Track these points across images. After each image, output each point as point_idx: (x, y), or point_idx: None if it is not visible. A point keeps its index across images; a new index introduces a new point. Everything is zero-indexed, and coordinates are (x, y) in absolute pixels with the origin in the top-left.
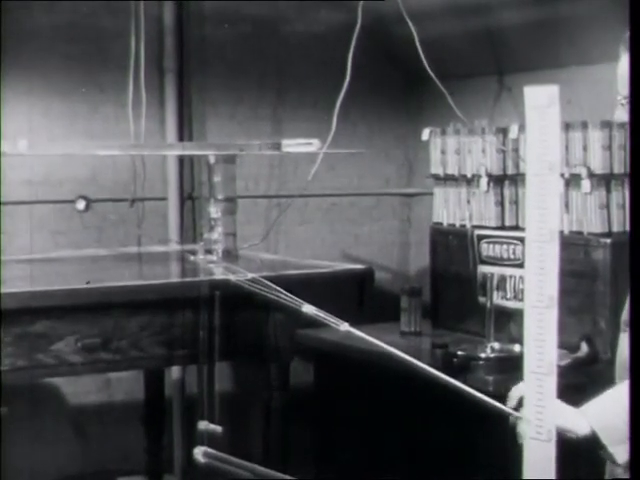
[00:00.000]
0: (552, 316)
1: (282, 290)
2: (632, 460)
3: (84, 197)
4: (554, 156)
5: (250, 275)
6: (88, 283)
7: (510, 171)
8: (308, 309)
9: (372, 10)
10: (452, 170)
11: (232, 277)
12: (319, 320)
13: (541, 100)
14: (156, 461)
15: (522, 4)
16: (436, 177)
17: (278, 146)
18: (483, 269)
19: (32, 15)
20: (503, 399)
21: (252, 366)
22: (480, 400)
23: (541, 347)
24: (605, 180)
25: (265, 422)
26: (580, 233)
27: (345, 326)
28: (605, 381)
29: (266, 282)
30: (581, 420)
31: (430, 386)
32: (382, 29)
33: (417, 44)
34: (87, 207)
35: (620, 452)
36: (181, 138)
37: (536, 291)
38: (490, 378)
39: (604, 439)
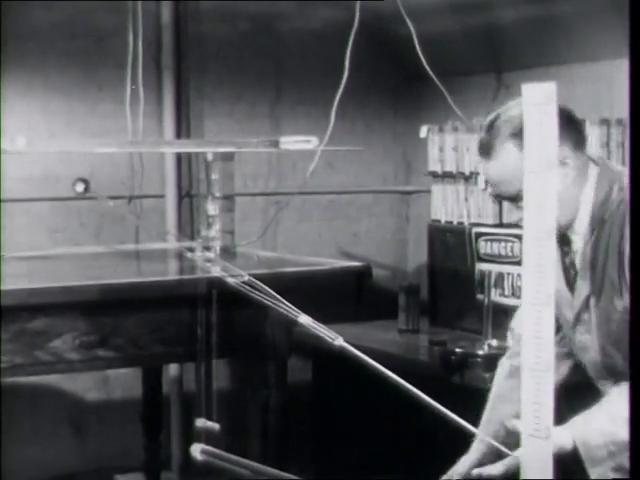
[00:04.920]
0: (549, 314)
1: (280, 298)
2: (632, 460)
3: (83, 179)
4: (552, 153)
5: (247, 277)
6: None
7: None
8: (304, 320)
9: (370, 8)
10: (450, 167)
11: (230, 280)
12: (318, 318)
13: (539, 97)
14: (154, 458)
15: (520, 2)
16: (434, 174)
17: (276, 143)
18: (481, 266)
19: (31, 13)
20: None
21: (250, 363)
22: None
23: (539, 344)
24: None
25: (263, 419)
26: None
27: (339, 340)
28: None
29: (265, 287)
30: (565, 434)
31: (429, 383)
32: (380, 27)
33: (415, 42)
34: (86, 190)
35: (595, 474)
36: (179, 135)
37: (534, 288)
38: (488, 375)
39: (585, 457)
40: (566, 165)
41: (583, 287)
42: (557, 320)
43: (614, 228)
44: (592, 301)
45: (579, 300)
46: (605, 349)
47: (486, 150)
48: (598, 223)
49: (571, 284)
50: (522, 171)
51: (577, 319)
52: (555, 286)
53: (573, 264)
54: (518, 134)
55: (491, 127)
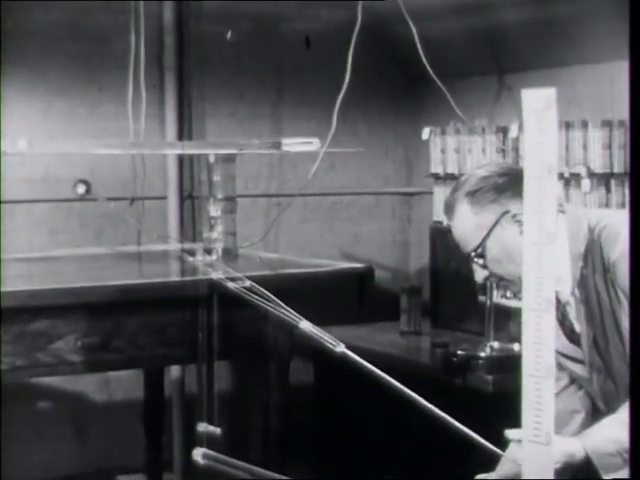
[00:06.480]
0: (550, 319)
1: (282, 303)
2: (632, 460)
3: (84, 181)
4: (552, 159)
5: (249, 283)
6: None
7: None
8: (305, 326)
9: (372, 9)
10: (452, 169)
11: (231, 285)
12: (319, 320)
13: (539, 103)
14: (156, 460)
15: (522, 3)
16: (436, 176)
17: (278, 145)
18: None
19: (32, 14)
20: (502, 398)
21: (252, 365)
22: (468, 436)
23: (539, 350)
24: (605, 179)
25: (264, 421)
26: None
27: (341, 347)
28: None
29: (266, 292)
30: (576, 443)
31: (431, 384)
32: (382, 28)
33: (417, 43)
34: (87, 191)
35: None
36: (181, 137)
37: (534, 294)
38: (490, 377)
39: (598, 465)
40: None
41: (586, 331)
42: (571, 378)
43: (596, 260)
44: (601, 343)
45: (587, 347)
46: None
47: (448, 209)
48: (581, 263)
49: (570, 336)
50: (475, 229)
51: (591, 367)
52: (557, 345)
53: (565, 315)
54: (473, 192)
55: (454, 188)
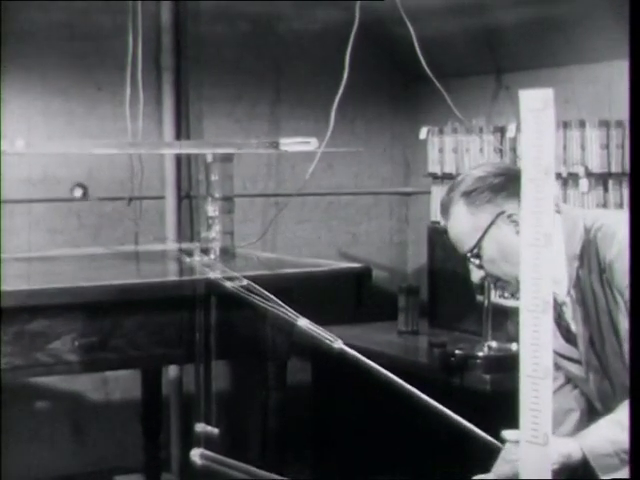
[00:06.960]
0: (547, 320)
1: (279, 302)
2: (632, 460)
3: (81, 185)
4: (549, 160)
5: (246, 282)
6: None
7: None
8: (303, 323)
9: (370, 9)
10: (450, 169)
11: (229, 284)
12: (317, 319)
13: (536, 103)
14: (153, 460)
15: (520, 3)
16: (434, 176)
17: (276, 145)
18: None
19: (30, 14)
20: (500, 398)
21: (249, 365)
22: (470, 430)
23: (536, 351)
24: (603, 179)
25: (262, 421)
26: None
27: (339, 343)
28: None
29: (263, 291)
30: (573, 444)
31: (428, 384)
32: (380, 28)
33: (415, 43)
34: (84, 195)
35: None
36: (178, 136)
37: (531, 295)
38: (488, 377)
39: (595, 466)
40: None
41: (582, 331)
42: (567, 378)
43: (592, 260)
44: (597, 343)
45: (583, 347)
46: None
47: (443, 210)
48: (577, 263)
49: (567, 336)
50: (471, 230)
51: (587, 367)
52: (554, 345)
53: (562, 316)
54: (469, 193)
55: (450, 188)
